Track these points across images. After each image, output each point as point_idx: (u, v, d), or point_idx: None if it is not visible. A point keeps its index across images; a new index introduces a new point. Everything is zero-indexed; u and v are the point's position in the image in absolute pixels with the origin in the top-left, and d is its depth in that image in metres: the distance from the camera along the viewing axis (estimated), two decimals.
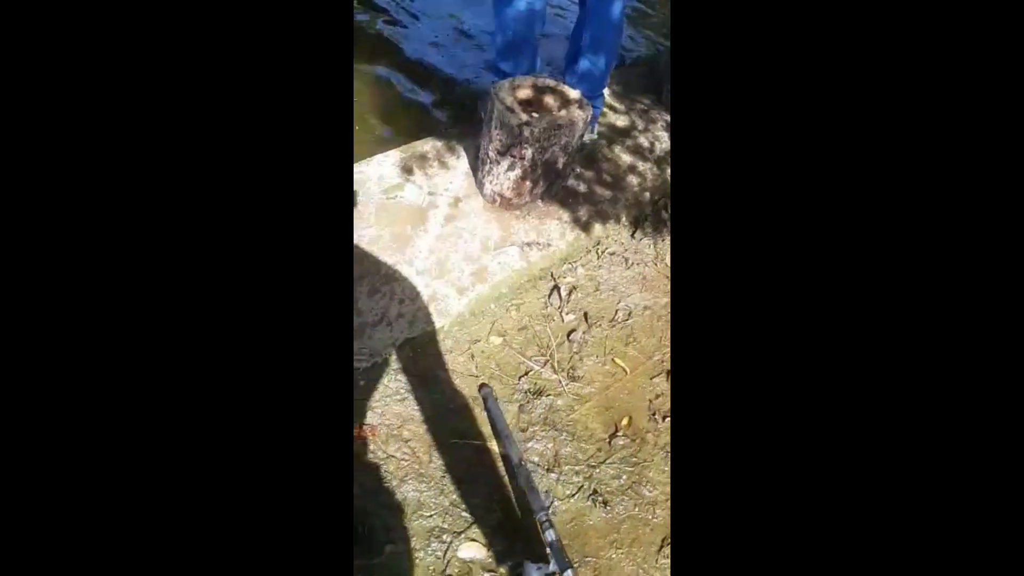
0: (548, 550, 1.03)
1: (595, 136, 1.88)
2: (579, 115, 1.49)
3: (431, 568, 1.08)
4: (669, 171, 1.84)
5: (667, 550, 1.17)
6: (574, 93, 1.54)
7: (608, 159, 1.83)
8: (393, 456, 1.21)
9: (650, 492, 1.25)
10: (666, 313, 1.59)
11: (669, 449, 1.31)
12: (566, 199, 1.68)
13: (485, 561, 1.11)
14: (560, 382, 1.40)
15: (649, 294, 1.63)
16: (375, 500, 1.14)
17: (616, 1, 1.61)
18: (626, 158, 1.84)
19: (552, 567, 1.01)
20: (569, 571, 0.98)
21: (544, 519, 1.08)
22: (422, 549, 1.10)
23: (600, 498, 1.23)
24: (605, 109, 1.97)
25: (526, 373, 1.40)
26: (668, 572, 1.14)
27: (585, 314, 1.55)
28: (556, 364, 1.43)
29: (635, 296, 1.61)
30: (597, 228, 1.67)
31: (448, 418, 1.29)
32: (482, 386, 1.36)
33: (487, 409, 1.31)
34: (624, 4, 1.63)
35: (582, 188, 1.73)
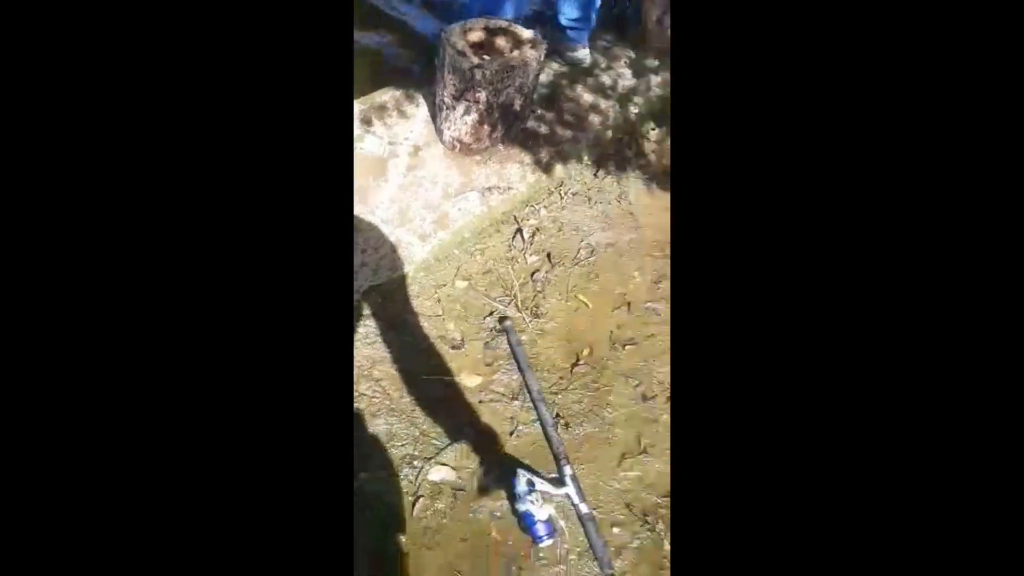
0: (569, 482, 1.16)
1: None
2: (532, 55, 1.49)
3: (405, 491, 1.18)
4: (632, 109, 1.85)
5: (625, 464, 1.26)
6: (527, 33, 1.53)
7: (570, 99, 1.83)
8: (364, 394, 1.29)
9: (610, 414, 1.33)
10: (629, 249, 1.64)
11: (628, 373, 1.39)
12: (527, 141, 1.70)
13: (454, 482, 1.20)
14: (524, 319, 1.47)
15: (612, 232, 1.67)
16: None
17: None
18: (588, 97, 1.84)
19: (542, 483, 1.13)
20: (585, 506, 1.14)
21: (563, 453, 1.21)
22: (395, 475, 1.19)
23: (562, 421, 1.31)
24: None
25: (491, 313, 1.46)
26: (626, 484, 1.24)
27: (548, 254, 1.60)
28: (520, 303, 1.49)
29: (598, 234, 1.66)
30: (559, 169, 1.70)
31: (417, 357, 1.36)
32: (503, 319, 1.44)
33: (509, 343, 1.39)
34: None
35: (543, 129, 1.74)
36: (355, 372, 1.31)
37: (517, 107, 1.58)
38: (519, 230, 1.63)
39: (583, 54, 1.88)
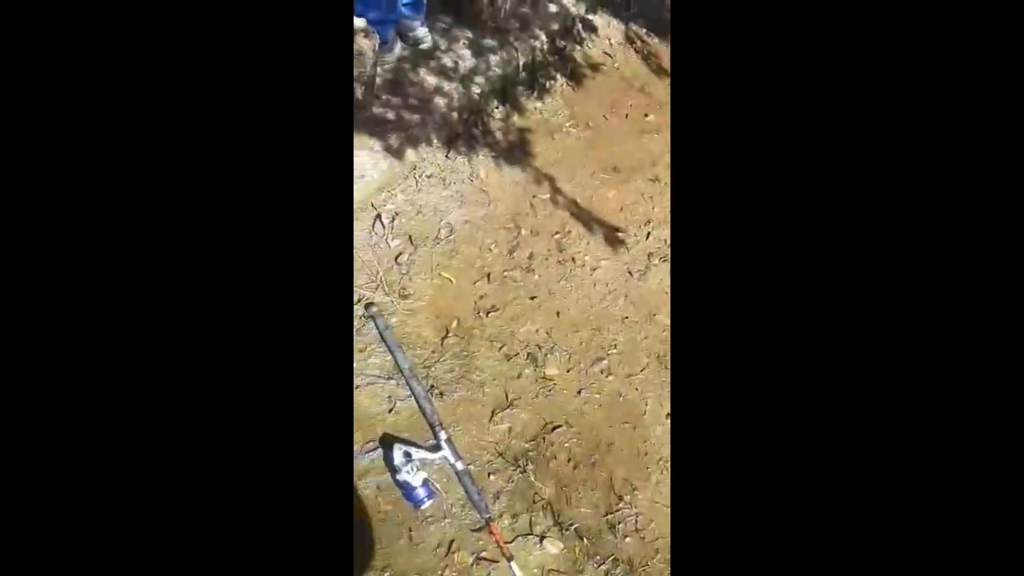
0: (444, 445, 1.28)
1: (397, 53, 1.90)
2: (365, 44, 1.52)
3: None
4: (475, 89, 1.93)
5: (496, 418, 1.41)
6: (358, 22, 1.55)
7: (413, 83, 1.87)
8: None
9: (479, 377, 1.46)
10: (484, 224, 1.76)
11: (493, 338, 1.53)
12: (375, 129, 1.73)
13: None
14: (393, 302, 1.54)
15: (467, 208, 1.77)
16: None
17: None
18: (431, 80, 1.90)
19: (418, 451, 1.25)
20: (461, 463, 1.27)
21: (437, 421, 1.32)
22: None
23: (437, 390, 1.42)
24: (410, 46, 1.97)
25: (358, 300, 1.52)
26: (498, 437, 1.38)
27: (410, 237, 1.67)
28: (387, 287, 1.56)
29: (455, 212, 1.75)
30: (410, 153, 1.76)
31: None
32: (368, 305, 1.49)
33: (377, 328, 1.46)
34: None
35: (390, 115, 1.78)
36: None
37: (359, 96, 1.61)
38: (378, 216, 1.68)
39: (423, 32, 1.92)
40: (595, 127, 2.11)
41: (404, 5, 1.85)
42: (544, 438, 1.39)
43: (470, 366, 1.47)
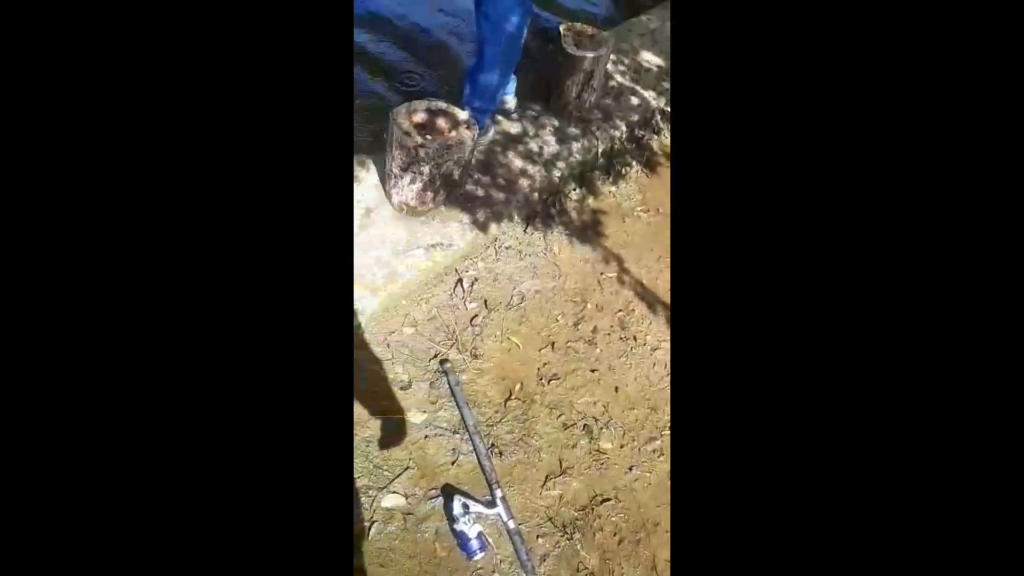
0: (499, 503, 1.39)
1: (490, 137, 2.14)
2: (467, 135, 1.75)
3: (359, 517, 1.36)
4: (556, 173, 2.13)
5: (549, 484, 1.50)
6: (463, 115, 1.79)
7: (503, 164, 2.10)
8: None
9: (536, 442, 1.57)
10: (553, 295, 1.90)
11: (552, 405, 1.64)
12: (465, 203, 1.95)
13: (404, 507, 1.40)
14: (465, 360, 1.69)
15: (539, 280, 1.93)
16: None
17: (513, 16, 1.82)
18: (518, 163, 2.11)
19: (475, 505, 1.36)
20: (513, 522, 1.36)
21: (495, 479, 1.43)
22: (353, 504, 1.37)
23: (497, 449, 1.54)
24: (499, 116, 2.22)
25: (435, 356, 1.68)
26: (549, 502, 1.47)
27: (485, 301, 1.84)
28: (461, 345, 1.72)
29: (527, 282, 1.91)
30: (493, 227, 1.95)
31: (369, 399, 1.56)
32: (443, 361, 1.65)
33: (448, 383, 1.61)
34: (522, 19, 1.84)
35: (480, 192, 2.00)
36: None
37: (456, 176, 1.83)
38: (460, 281, 1.86)
39: (511, 104, 2.19)
40: (664, 213, 2.24)
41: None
42: (593, 509, 1.47)
43: (529, 430, 1.59)
